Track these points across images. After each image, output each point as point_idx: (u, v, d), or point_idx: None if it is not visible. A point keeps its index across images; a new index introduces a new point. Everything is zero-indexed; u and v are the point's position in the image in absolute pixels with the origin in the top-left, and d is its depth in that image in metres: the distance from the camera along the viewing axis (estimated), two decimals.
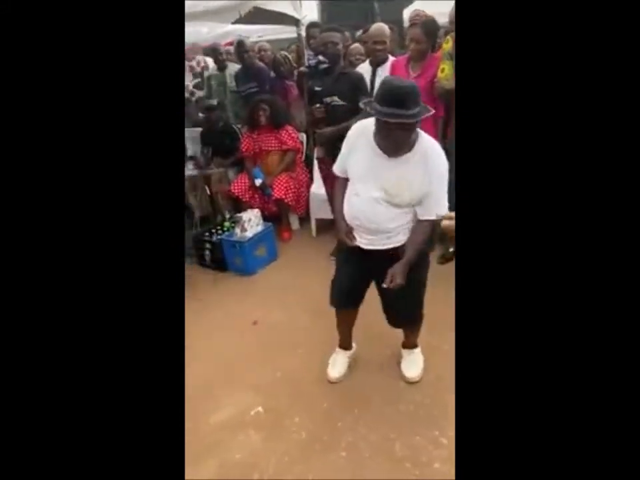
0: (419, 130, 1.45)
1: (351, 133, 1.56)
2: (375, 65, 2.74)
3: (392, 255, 1.56)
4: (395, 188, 1.46)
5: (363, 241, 1.60)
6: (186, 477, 1.51)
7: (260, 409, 1.81)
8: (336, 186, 1.69)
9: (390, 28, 2.84)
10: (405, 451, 1.58)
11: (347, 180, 1.62)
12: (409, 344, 1.93)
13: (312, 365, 2.02)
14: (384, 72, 2.69)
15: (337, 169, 1.65)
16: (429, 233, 1.54)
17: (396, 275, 1.50)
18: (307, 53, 3.13)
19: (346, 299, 1.77)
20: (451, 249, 2.57)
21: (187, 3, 2.18)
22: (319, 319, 2.30)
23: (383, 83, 1.40)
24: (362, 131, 1.51)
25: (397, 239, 1.57)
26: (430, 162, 1.44)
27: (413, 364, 1.91)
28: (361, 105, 1.47)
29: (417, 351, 1.94)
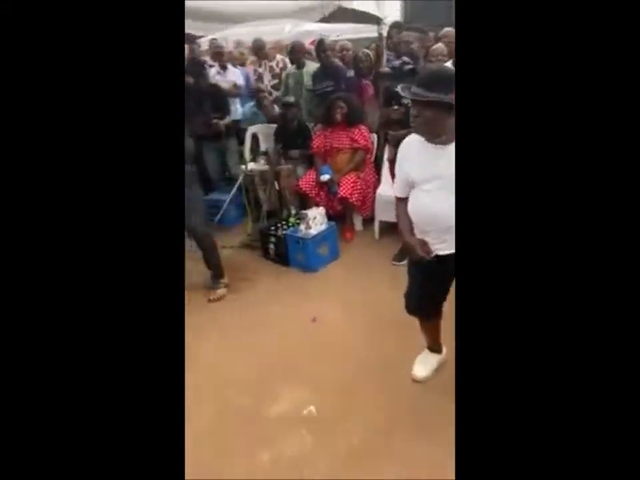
0: None
1: (400, 149, 1.63)
2: None
3: None
4: (451, 171, 1.43)
5: (439, 246, 1.56)
6: (238, 469, 1.58)
7: (312, 408, 1.82)
8: (398, 208, 1.68)
9: None
10: None
11: (407, 199, 1.62)
12: (432, 347, 1.95)
13: (368, 369, 1.99)
14: None
15: (397, 189, 1.67)
16: None
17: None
18: (387, 53, 3.09)
19: (422, 309, 1.76)
20: None
21: (270, 2, 2.25)
22: (378, 322, 2.26)
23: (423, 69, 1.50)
24: (408, 141, 1.59)
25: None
26: None
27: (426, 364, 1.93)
28: (398, 89, 1.55)
29: (437, 355, 1.94)
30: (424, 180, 1.52)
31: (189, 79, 3.45)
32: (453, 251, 1.51)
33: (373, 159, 3.46)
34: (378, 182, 3.35)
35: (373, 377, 1.95)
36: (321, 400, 1.85)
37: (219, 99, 3.60)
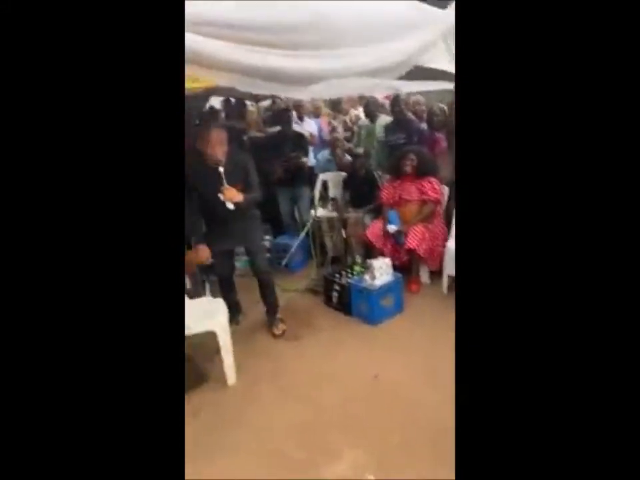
0: None
1: None
2: None
3: None
4: None
5: None
6: None
7: (372, 477, 1.72)
8: None
9: None
10: None
11: None
12: None
13: (433, 437, 1.86)
14: None
15: None
16: None
17: None
18: None
19: None
20: None
21: (349, 64, 2.40)
22: (444, 385, 2.13)
23: None
24: None
25: None
26: None
27: None
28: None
29: None
30: None
31: (276, 127, 3.74)
32: None
33: (442, 211, 3.40)
34: (447, 235, 3.27)
35: (437, 441, 1.81)
36: (379, 466, 1.74)
37: (302, 143, 3.83)
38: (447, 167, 3.36)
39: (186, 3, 1.72)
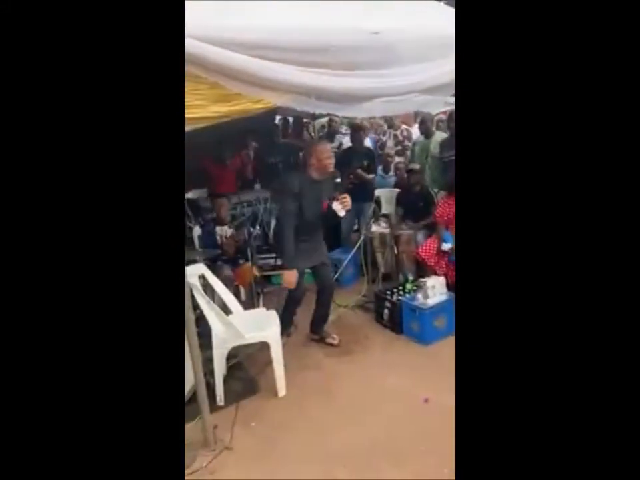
0: None
1: None
2: None
3: None
4: None
5: None
6: None
7: None
8: None
9: None
10: None
11: None
12: None
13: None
14: None
15: None
16: None
17: None
18: None
19: None
20: None
21: (410, 79, 2.42)
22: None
23: None
24: None
25: None
26: None
27: None
28: None
29: None
30: None
31: (349, 143, 4.01)
32: None
33: None
34: None
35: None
36: None
37: (370, 159, 3.94)
38: None
39: (248, 29, 1.84)
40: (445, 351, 2.71)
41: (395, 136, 4.56)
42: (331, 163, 2.52)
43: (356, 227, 4.00)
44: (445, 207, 3.33)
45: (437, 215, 3.36)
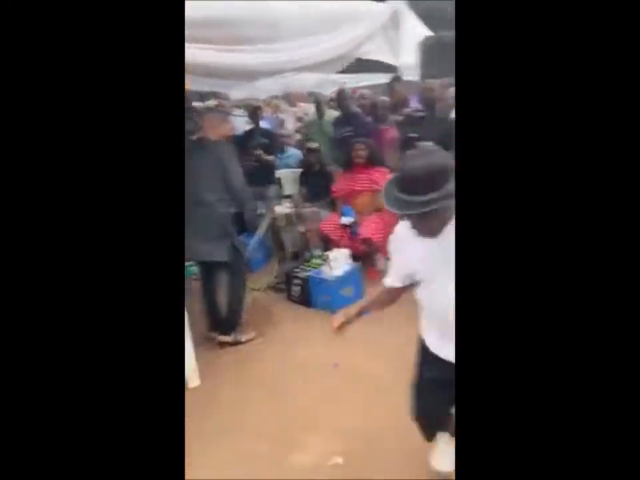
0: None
1: (392, 238, 1.37)
2: None
3: None
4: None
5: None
6: None
7: (340, 460, 1.74)
8: (376, 291, 1.51)
9: None
10: None
11: (396, 290, 1.43)
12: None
13: (395, 417, 1.91)
14: None
15: (387, 281, 1.43)
16: None
17: None
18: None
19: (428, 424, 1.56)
20: None
21: (291, 55, 2.44)
22: (405, 370, 2.19)
23: (401, 165, 1.16)
24: (401, 235, 1.31)
25: None
26: None
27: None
28: (383, 189, 1.22)
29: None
30: (429, 274, 1.28)
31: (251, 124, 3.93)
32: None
33: None
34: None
35: (400, 423, 1.87)
36: (346, 450, 1.78)
37: (270, 140, 3.88)
38: (396, 157, 3.46)
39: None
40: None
41: (295, 112, 4.59)
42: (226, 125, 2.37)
43: (260, 210, 3.98)
44: (341, 182, 3.45)
45: (335, 190, 3.48)
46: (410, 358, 2.18)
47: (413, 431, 1.80)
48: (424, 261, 1.26)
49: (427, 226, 1.18)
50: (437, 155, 1.15)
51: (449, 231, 1.16)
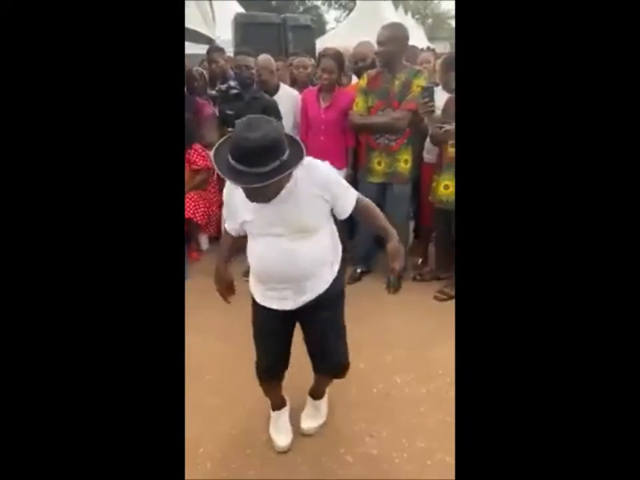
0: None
1: (226, 193, 1.40)
2: (267, 92, 2.91)
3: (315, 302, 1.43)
4: (291, 216, 1.31)
5: (277, 300, 1.44)
6: None
7: None
8: (222, 240, 1.57)
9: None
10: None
11: (236, 237, 1.48)
12: (319, 393, 1.77)
13: (221, 391, 1.96)
14: (279, 99, 2.88)
15: (228, 226, 1.48)
16: (368, 214, 1.47)
17: (398, 261, 1.40)
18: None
19: (275, 371, 1.60)
20: (392, 277, 2.65)
21: None
22: (231, 344, 2.25)
23: (235, 134, 1.15)
24: (234, 190, 1.34)
25: (320, 283, 1.42)
26: (315, 177, 1.31)
27: (315, 415, 1.77)
28: (211, 157, 1.33)
29: (324, 400, 1.80)
30: (258, 230, 1.36)
31: None
32: (297, 303, 1.41)
33: (215, 177, 3.44)
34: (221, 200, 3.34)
35: (225, 396, 1.92)
36: None
37: None
38: (213, 132, 3.38)
39: None
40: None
41: None
42: None
43: None
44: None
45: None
46: (233, 332, 2.22)
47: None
48: (253, 216, 1.33)
49: (262, 195, 1.22)
50: (271, 126, 1.17)
51: (283, 194, 1.25)
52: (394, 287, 2.73)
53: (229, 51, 3.76)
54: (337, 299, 1.51)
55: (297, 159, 1.17)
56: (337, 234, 1.50)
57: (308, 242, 1.36)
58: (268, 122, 1.19)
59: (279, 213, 1.30)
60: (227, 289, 1.55)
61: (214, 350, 2.26)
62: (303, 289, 1.41)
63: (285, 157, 1.15)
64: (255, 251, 1.40)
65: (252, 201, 1.25)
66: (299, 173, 1.27)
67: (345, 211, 1.42)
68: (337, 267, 1.48)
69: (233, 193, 1.34)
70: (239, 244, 1.51)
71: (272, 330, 1.50)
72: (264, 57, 2.97)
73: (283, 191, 1.26)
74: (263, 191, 1.19)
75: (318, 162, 1.36)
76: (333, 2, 15.41)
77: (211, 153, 3.28)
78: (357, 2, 9.96)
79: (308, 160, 1.28)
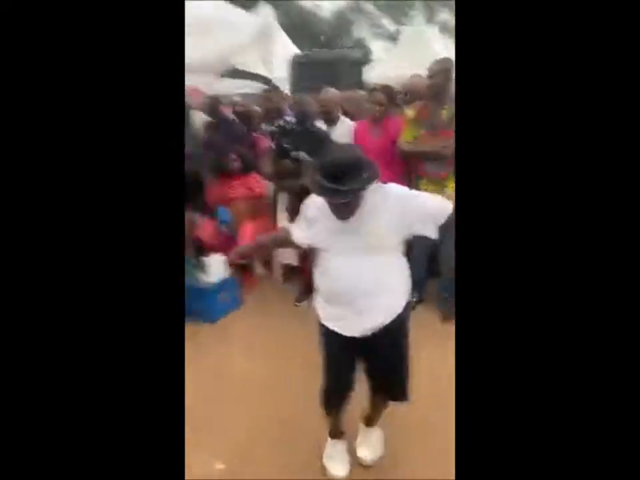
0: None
1: (306, 207, 1.49)
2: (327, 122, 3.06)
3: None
4: (365, 230, 1.37)
5: (343, 322, 1.44)
6: None
7: (222, 466, 1.73)
8: (271, 234, 1.69)
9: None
10: None
11: (291, 242, 1.57)
12: (373, 421, 1.75)
13: (284, 418, 1.97)
14: (337, 132, 2.99)
15: (296, 234, 1.54)
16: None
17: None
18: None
19: (341, 400, 1.59)
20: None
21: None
22: (288, 367, 2.28)
23: (325, 155, 1.31)
24: (317, 205, 1.43)
25: (385, 308, 1.43)
26: (392, 194, 1.40)
27: (371, 444, 1.75)
28: (305, 177, 1.45)
29: (378, 430, 1.78)
30: (330, 247, 1.42)
31: None
32: (363, 330, 1.41)
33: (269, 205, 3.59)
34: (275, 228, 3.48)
35: (286, 427, 1.92)
36: (231, 460, 1.77)
37: None
38: (269, 164, 3.56)
39: None
40: (232, 324, 2.85)
41: None
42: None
43: None
44: (215, 189, 3.44)
45: (210, 197, 3.43)
46: (288, 354, 2.22)
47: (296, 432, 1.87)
48: (329, 233, 1.41)
49: (347, 209, 1.34)
50: (353, 149, 1.37)
51: (358, 214, 1.36)
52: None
53: (285, 89, 4.00)
54: (403, 332, 1.50)
55: (374, 176, 1.30)
56: (407, 270, 1.51)
57: (380, 259, 1.40)
58: (351, 146, 1.43)
59: (357, 228, 1.37)
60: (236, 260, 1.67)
61: (269, 373, 2.29)
62: (369, 308, 1.40)
63: (366, 175, 1.28)
64: (326, 265, 1.44)
65: (338, 216, 1.35)
66: (377, 192, 1.37)
67: (442, 213, 1.41)
68: (404, 301, 1.48)
69: (316, 207, 1.43)
70: (281, 243, 1.69)
71: (338, 355, 1.50)
72: (331, 91, 3.13)
73: (363, 207, 1.36)
74: (347, 205, 1.31)
75: (392, 183, 1.47)
76: (378, 33, 15.85)
77: (269, 184, 3.50)
78: (401, 29, 10.14)
79: (383, 184, 1.41)
